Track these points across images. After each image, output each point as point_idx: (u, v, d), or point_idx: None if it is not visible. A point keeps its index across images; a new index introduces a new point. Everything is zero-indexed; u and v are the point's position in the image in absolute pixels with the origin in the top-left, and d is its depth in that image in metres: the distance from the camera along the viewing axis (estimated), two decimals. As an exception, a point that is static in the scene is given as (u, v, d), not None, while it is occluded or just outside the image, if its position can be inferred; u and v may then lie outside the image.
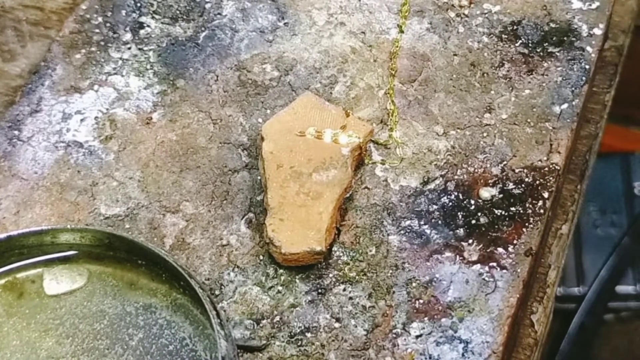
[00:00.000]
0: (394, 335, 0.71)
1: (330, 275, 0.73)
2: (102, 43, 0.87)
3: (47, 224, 0.76)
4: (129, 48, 0.87)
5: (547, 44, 0.86)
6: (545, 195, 0.77)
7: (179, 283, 0.67)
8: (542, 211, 0.76)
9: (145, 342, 0.66)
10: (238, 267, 0.74)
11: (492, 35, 0.87)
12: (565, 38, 0.86)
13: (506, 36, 0.87)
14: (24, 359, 0.66)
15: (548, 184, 0.78)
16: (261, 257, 0.75)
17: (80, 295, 0.69)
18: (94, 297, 0.69)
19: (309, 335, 0.71)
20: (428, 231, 0.76)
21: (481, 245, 0.75)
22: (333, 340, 0.71)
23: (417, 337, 0.70)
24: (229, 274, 0.74)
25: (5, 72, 0.92)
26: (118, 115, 0.82)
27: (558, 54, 0.85)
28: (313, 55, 0.86)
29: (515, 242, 0.75)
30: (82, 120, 0.82)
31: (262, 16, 0.89)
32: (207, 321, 0.65)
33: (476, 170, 0.79)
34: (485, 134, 0.81)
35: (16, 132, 0.81)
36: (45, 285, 0.69)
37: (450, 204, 0.77)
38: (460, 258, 0.74)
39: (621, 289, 1.35)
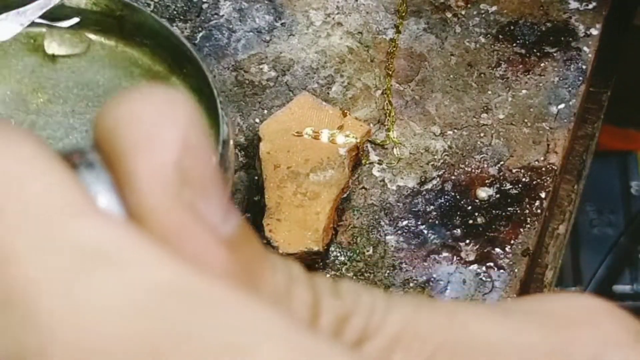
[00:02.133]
0: (391, 336, 0.71)
1: (328, 275, 0.73)
2: (99, 43, 0.87)
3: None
4: (126, 48, 0.87)
5: (544, 44, 0.86)
6: (543, 195, 0.77)
7: (181, 70, 0.65)
8: (539, 211, 0.76)
9: None
10: (235, 267, 0.74)
11: (489, 35, 0.87)
12: (562, 38, 0.86)
13: (503, 36, 0.87)
14: (12, 109, 0.66)
15: (545, 184, 0.78)
16: (258, 258, 0.74)
17: (80, 63, 0.68)
18: (92, 66, 0.68)
19: (306, 335, 0.71)
20: (425, 231, 0.76)
21: (478, 246, 0.75)
22: (330, 341, 0.71)
23: (414, 337, 0.70)
24: (226, 274, 0.74)
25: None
26: (115, 116, 0.82)
27: (555, 54, 0.85)
28: (310, 56, 0.86)
29: (512, 242, 0.75)
30: (79, 120, 0.82)
31: (259, 16, 0.89)
32: (206, 111, 0.63)
33: (473, 171, 0.79)
34: (482, 134, 0.81)
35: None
36: (46, 45, 0.69)
37: (448, 204, 0.77)
38: (458, 258, 0.74)
39: (618, 288, 1.35)
